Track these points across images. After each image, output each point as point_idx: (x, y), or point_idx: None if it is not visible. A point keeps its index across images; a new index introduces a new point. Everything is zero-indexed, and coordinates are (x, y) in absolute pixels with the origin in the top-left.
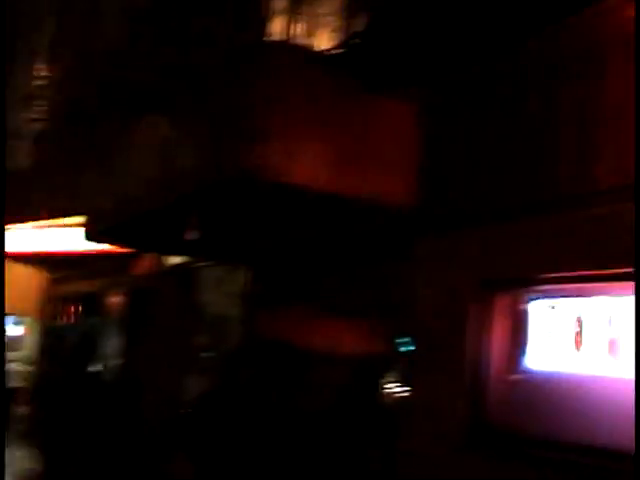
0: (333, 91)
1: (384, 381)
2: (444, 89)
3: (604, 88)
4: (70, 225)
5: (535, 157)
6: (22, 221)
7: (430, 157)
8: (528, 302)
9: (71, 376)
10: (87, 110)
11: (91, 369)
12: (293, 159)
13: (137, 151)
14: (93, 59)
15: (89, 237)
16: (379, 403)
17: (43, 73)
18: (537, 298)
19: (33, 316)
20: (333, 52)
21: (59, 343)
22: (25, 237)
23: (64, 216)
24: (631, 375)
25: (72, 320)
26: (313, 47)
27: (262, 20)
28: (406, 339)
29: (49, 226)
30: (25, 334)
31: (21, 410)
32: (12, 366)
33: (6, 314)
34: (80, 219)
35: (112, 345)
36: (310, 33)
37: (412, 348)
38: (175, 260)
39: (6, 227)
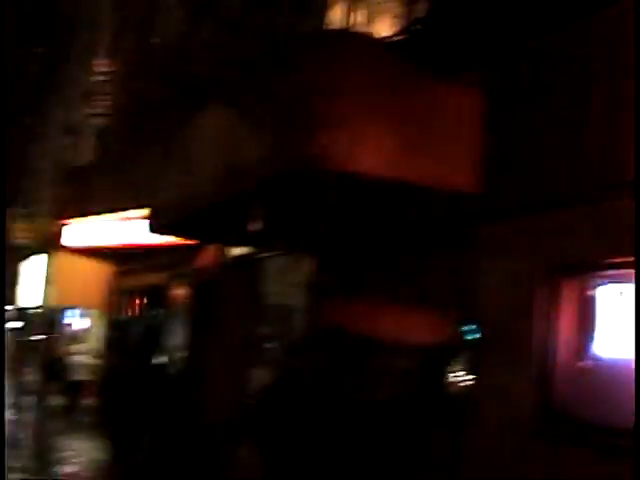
0: (395, 78)
1: (450, 369)
2: (506, 73)
3: None
4: (134, 218)
5: (602, 140)
6: (86, 215)
7: (493, 142)
8: (596, 288)
9: (136, 368)
10: (149, 104)
11: (156, 361)
12: (356, 147)
13: (200, 143)
14: (154, 53)
15: (153, 230)
16: (445, 392)
17: (103, 69)
18: (605, 284)
19: (98, 309)
20: (394, 39)
21: (124, 336)
22: (90, 231)
23: (128, 209)
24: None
25: (137, 313)
26: (374, 34)
27: (322, 8)
28: (472, 327)
29: (113, 220)
30: (91, 327)
31: (88, 402)
32: (78, 359)
33: (72, 307)
34: (144, 212)
35: (177, 337)
36: (370, 20)
37: (478, 336)
38: (239, 251)
39: (70, 221)
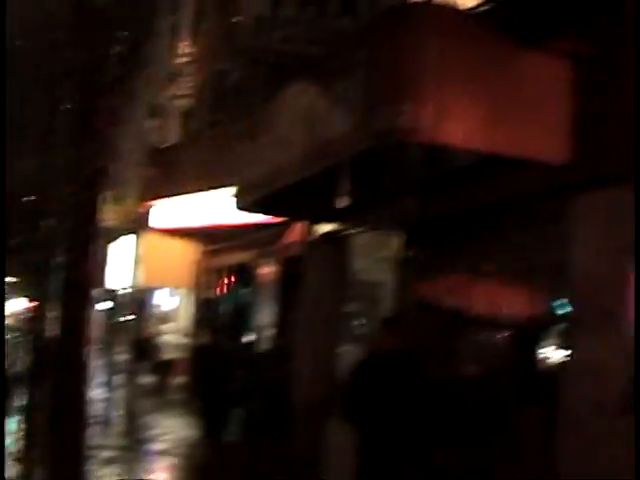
0: (483, 48)
1: (542, 345)
2: (596, 39)
3: None
4: (221, 197)
5: None
6: (174, 195)
7: (584, 111)
8: None
9: (225, 347)
10: (233, 82)
11: (245, 339)
12: (446, 119)
13: (286, 120)
14: (237, 31)
15: (240, 208)
16: (538, 367)
17: (187, 49)
18: None
19: (187, 288)
20: (479, 9)
21: (213, 314)
22: (177, 211)
23: (215, 189)
24: None
25: (225, 291)
26: (460, 5)
27: None
28: (564, 301)
29: (200, 199)
30: (179, 306)
31: (178, 381)
32: (167, 338)
33: (161, 287)
34: (231, 191)
35: (265, 315)
36: None
37: (570, 310)
38: (326, 228)
39: (157, 202)
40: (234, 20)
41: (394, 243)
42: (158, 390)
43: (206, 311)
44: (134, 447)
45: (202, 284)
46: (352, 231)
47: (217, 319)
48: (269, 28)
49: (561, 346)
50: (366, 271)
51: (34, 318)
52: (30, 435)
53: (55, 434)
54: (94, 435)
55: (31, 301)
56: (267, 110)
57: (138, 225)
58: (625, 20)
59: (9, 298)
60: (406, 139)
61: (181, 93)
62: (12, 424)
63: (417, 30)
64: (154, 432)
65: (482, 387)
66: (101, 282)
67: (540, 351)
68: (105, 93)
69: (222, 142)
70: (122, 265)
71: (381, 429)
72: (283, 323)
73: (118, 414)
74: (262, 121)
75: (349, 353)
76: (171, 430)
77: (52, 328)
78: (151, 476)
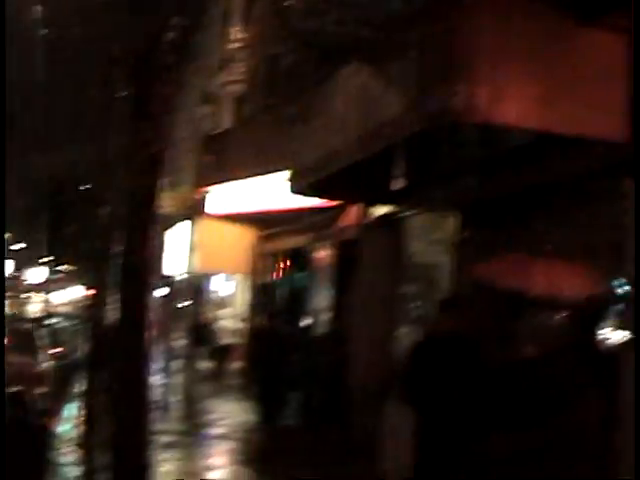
0: (541, 25)
1: (602, 325)
2: None
3: None
4: (276, 182)
5: None
6: (228, 181)
7: None
8: None
9: (282, 331)
10: (286, 66)
11: (301, 324)
12: (501, 98)
13: (340, 103)
14: (288, 15)
15: (295, 192)
16: (597, 348)
17: (239, 35)
18: None
19: (243, 274)
20: None
21: (269, 299)
22: (232, 197)
23: (269, 173)
24: None
25: (281, 276)
26: None
27: None
28: (622, 281)
29: (255, 184)
30: (236, 292)
31: (235, 366)
32: (224, 323)
33: (217, 273)
34: (285, 175)
35: (321, 299)
36: None
37: (629, 289)
38: (382, 210)
39: (212, 188)
40: (285, 4)
41: (450, 225)
42: (216, 375)
43: (262, 296)
44: (192, 432)
45: (258, 269)
46: (407, 213)
47: (273, 304)
48: (321, 11)
49: (620, 326)
50: (422, 253)
51: (92, 305)
52: (90, 421)
53: (117, 420)
54: (154, 420)
55: (89, 289)
56: (320, 93)
57: (194, 211)
58: None
59: (66, 286)
60: (460, 120)
61: (233, 79)
62: (72, 410)
63: (471, 11)
64: (212, 417)
65: (541, 369)
66: (158, 269)
67: (599, 332)
68: (159, 80)
69: (276, 126)
70: (178, 251)
71: (439, 412)
72: (339, 307)
73: (176, 399)
74: (315, 104)
75: (406, 336)
76: (229, 415)
77: (111, 315)
78: (209, 460)
